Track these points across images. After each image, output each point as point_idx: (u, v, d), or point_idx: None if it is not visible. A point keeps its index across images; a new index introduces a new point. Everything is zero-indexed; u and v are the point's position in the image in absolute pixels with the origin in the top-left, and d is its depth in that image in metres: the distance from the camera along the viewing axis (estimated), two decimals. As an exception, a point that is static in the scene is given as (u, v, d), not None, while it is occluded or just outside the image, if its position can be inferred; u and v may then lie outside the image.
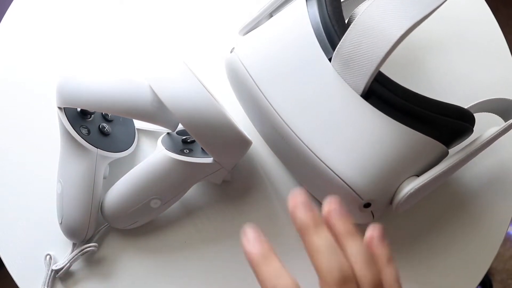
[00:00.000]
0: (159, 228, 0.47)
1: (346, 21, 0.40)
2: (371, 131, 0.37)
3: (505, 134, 0.41)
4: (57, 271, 0.46)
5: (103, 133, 0.45)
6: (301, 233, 0.33)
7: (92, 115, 0.45)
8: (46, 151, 0.49)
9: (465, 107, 0.39)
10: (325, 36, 0.38)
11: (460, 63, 0.51)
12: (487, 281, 1.01)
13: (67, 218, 0.43)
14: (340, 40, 0.36)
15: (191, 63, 0.42)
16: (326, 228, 0.33)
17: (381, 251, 0.34)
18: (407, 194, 0.37)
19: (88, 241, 0.46)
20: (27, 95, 0.51)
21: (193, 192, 0.48)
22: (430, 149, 0.37)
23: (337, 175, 0.37)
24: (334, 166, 0.37)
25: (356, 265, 0.32)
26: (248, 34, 0.41)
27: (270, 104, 0.38)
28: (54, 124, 0.44)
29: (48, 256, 0.46)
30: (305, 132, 0.37)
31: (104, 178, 0.45)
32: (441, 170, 0.37)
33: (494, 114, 0.45)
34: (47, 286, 0.45)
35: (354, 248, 0.33)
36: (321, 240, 0.32)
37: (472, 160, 0.41)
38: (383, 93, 0.36)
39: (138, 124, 0.49)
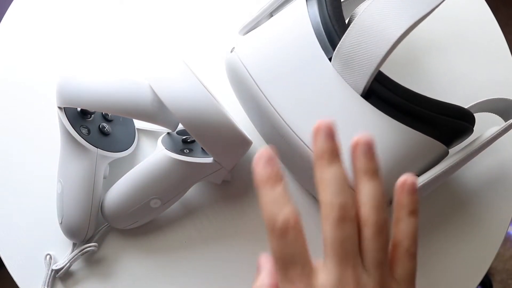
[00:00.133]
0: (159, 228, 0.47)
1: (346, 21, 0.40)
2: (371, 130, 0.36)
3: (505, 134, 0.41)
4: (57, 271, 0.46)
5: (103, 133, 0.45)
6: (315, 163, 0.31)
7: (92, 115, 0.45)
8: (46, 151, 0.49)
9: (465, 107, 0.39)
10: (325, 36, 0.38)
11: (460, 63, 0.51)
12: (487, 281, 1.01)
13: (67, 218, 0.43)
14: (340, 39, 0.36)
15: (191, 63, 0.42)
16: (341, 163, 0.31)
17: (407, 201, 0.32)
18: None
19: (88, 241, 0.46)
20: (27, 95, 0.51)
21: (193, 192, 0.48)
22: (430, 148, 0.37)
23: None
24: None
25: (364, 207, 0.31)
26: (248, 33, 0.41)
27: (270, 104, 0.38)
28: (54, 124, 0.44)
29: (48, 256, 0.46)
30: (305, 132, 0.37)
31: (104, 178, 0.45)
32: (441, 170, 0.37)
33: (494, 114, 0.45)
34: (47, 286, 0.45)
35: (367, 189, 0.31)
36: (330, 173, 0.31)
37: (472, 160, 0.41)
38: (383, 93, 0.36)
39: (138, 124, 0.49)
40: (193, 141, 0.46)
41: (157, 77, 0.40)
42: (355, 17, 0.40)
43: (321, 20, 0.38)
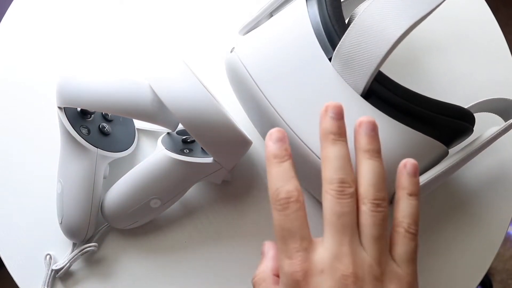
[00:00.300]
0: (159, 228, 0.47)
1: (346, 21, 0.40)
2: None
3: (505, 134, 0.41)
4: (57, 271, 0.46)
5: (103, 133, 0.45)
6: (321, 139, 0.33)
7: (92, 115, 0.45)
8: (46, 151, 0.49)
9: (465, 107, 0.39)
10: (325, 36, 0.37)
11: (460, 63, 0.51)
12: (487, 281, 1.01)
13: (67, 218, 0.43)
14: (340, 40, 0.36)
15: (191, 63, 0.42)
16: (346, 141, 0.33)
17: (408, 182, 0.33)
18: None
19: (88, 241, 0.46)
20: (27, 95, 0.51)
21: (193, 192, 0.48)
22: (430, 148, 0.37)
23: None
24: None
25: (363, 184, 0.32)
26: (248, 34, 0.41)
27: (270, 104, 0.38)
28: (54, 124, 0.44)
29: (48, 256, 0.46)
30: (305, 132, 0.37)
31: (104, 178, 0.45)
32: (441, 170, 0.37)
33: (494, 114, 0.45)
34: (47, 286, 0.45)
35: (367, 167, 0.33)
36: (334, 151, 0.32)
37: (472, 160, 0.41)
38: (383, 93, 0.36)
39: (138, 124, 0.49)
40: (193, 141, 0.46)
41: (157, 77, 0.40)
42: (355, 17, 0.40)
43: (321, 20, 0.38)
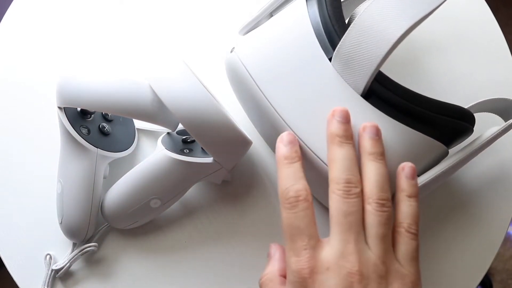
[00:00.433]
0: (159, 228, 0.47)
1: (346, 21, 0.40)
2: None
3: (505, 134, 0.41)
4: (57, 271, 0.46)
5: (103, 133, 0.45)
6: (328, 142, 0.34)
7: (92, 115, 0.45)
8: (46, 151, 0.49)
9: (465, 107, 0.39)
10: (325, 36, 0.37)
11: (460, 63, 0.51)
12: (487, 281, 1.01)
13: (67, 218, 0.43)
14: (340, 40, 0.36)
15: (191, 63, 0.42)
16: (352, 143, 0.34)
17: (406, 184, 0.34)
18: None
19: (88, 241, 0.46)
20: (27, 95, 0.51)
21: (193, 192, 0.48)
22: (430, 149, 0.37)
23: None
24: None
25: (367, 185, 0.33)
26: (248, 33, 0.41)
27: (270, 104, 0.38)
28: (54, 124, 0.44)
29: (48, 256, 0.46)
30: (305, 132, 0.37)
31: (104, 178, 0.45)
32: (441, 170, 0.37)
33: (494, 114, 0.45)
34: (47, 286, 0.45)
35: (371, 169, 0.34)
36: (340, 151, 0.34)
37: (472, 160, 0.41)
38: (383, 93, 0.36)
39: (138, 124, 0.49)
40: (193, 141, 0.46)
41: (157, 77, 0.40)
42: (355, 17, 0.40)
43: (321, 20, 0.38)
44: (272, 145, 0.46)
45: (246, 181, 0.48)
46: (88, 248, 0.45)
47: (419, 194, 0.36)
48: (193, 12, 0.53)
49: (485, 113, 0.45)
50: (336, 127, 0.34)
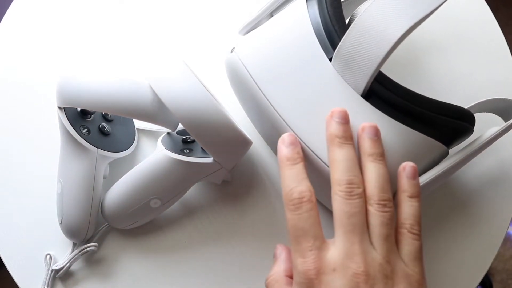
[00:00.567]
0: (159, 228, 0.47)
1: (346, 21, 0.40)
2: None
3: (506, 134, 0.41)
4: (57, 271, 0.46)
5: (103, 133, 0.45)
6: (328, 143, 0.35)
7: (92, 115, 0.45)
8: (46, 151, 0.49)
9: (466, 107, 0.39)
10: (325, 36, 0.37)
11: (460, 63, 0.51)
12: (487, 281, 1.01)
13: (67, 218, 0.43)
14: (340, 40, 0.36)
15: (191, 63, 0.42)
16: (352, 144, 0.34)
17: (408, 185, 0.34)
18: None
19: (88, 241, 0.46)
20: (27, 95, 0.51)
21: (193, 192, 0.48)
22: (430, 149, 0.37)
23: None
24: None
25: (369, 185, 0.33)
26: (249, 34, 0.41)
27: (271, 104, 0.38)
28: (54, 124, 0.44)
29: (48, 256, 0.46)
30: (305, 132, 0.37)
31: (104, 178, 0.45)
32: (441, 171, 0.37)
33: (494, 114, 0.45)
34: (47, 286, 0.45)
35: (372, 170, 0.34)
36: (341, 152, 0.34)
37: (472, 159, 0.41)
38: (384, 93, 0.36)
39: (138, 124, 0.49)
40: (193, 141, 0.46)
41: (157, 77, 0.40)
42: (356, 17, 0.40)
43: (321, 20, 0.38)
44: (272, 145, 0.46)
45: (246, 181, 0.48)
46: (88, 248, 0.45)
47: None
48: (193, 12, 0.53)
49: (485, 113, 0.45)
50: (335, 128, 0.35)
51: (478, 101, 0.43)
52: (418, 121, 0.36)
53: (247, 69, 0.38)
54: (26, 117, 0.50)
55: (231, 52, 0.40)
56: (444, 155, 0.39)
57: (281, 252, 0.37)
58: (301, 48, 0.38)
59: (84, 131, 0.43)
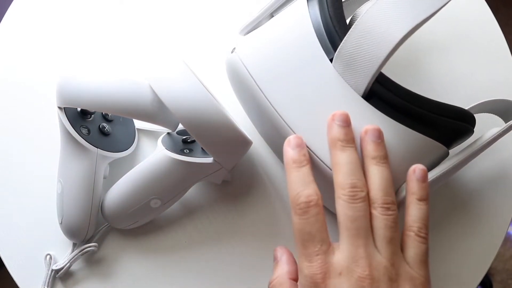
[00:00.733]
0: (159, 228, 0.47)
1: (347, 22, 0.40)
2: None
3: (506, 134, 0.41)
4: (57, 271, 0.46)
5: (103, 133, 0.45)
6: (330, 147, 0.35)
7: (92, 115, 0.45)
8: (46, 151, 0.49)
9: (466, 108, 0.39)
10: (326, 37, 0.37)
11: (461, 63, 0.51)
12: (487, 281, 1.01)
13: (67, 218, 0.43)
14: (341, 40, 0.36)
15: (192, 63, 0.42)
16: (354, 147, 0.34)
17: (417, 187, 0.34)
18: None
19: (88, 241, 0.46)
20: (27, 95, 0.51)
21: (193, 192, 0.48)
22: (430, 150, 0.37)
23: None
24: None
25: (372, 189, 0.33)
26: (249, 34, 0.41)
27: (271, 104, 0.38)
28: (54, 124, 0.44)
29: (48, 256, 0.46)
30: (305, 132, 0.37)
31: (104, 178, 0.45)
32: (442, 172, 0.37)
33: (494, 115, 0.45)
34: (47, 286, 0.45)
35: (375, 173, 0.34)
36: (343, 156, 0.34)
37: (472, 160, 0.41)
38: (384, 94, 0.36)
39: (138, 124, 0.49)
40: (193, 141, 0.46)
41: (157, 77, 0.40)
42: (357, 18, 0.40)
43: (322, 21, 0.38)
44: (272, 145, 0.46)
45: (246, 181, 0.48)
46: (88, 248, 0.45)
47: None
48: (193, 12, 0.53)
49: (486, 114, 0.45)
50: (336, 131, 0.35)
51: (479, 102, 0.43)
52: (418, 122, 0.36)
53: (247, 69, 0.38)
54: (26, 117, 0.50)
55: (232, 52, 0.40)
56: (445, 156, 0.39)
57: (282, 254, 0.37)
58: (302, 49, 0.38)
59: (84, 131, 0.43)
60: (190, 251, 0.47)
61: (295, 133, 0.37)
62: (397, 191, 0.37)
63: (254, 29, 0.42)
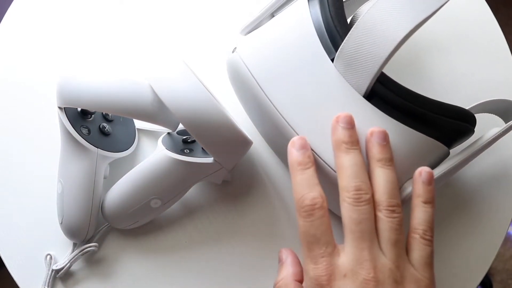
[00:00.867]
0: (159, 228, 0.47)
1: (348, 21, 0.40)
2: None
3: (506, 134, 0.41)
4: (57, 271, 0.46)
5: (103, 133, 0.45)
6: (335, 149, 0.35)
7: (93, 115, 0.45)
8: (46, 151, 0.49)
9: (466, 108, 0.39)
10: (327, 37, 0.37)
11: (461, 63, 0.51)
12: (487, 281, 1.02)
13: (67, 218, 0.43)
14: (342, 40, 0.36)
15: (192, 63, 0.42)
16: (359, 149, 0.34)
17: (423, 190, 0.34)
18: (409, 196, 0.37)
19: (89, 241, 0.46)
20: (27, 95, 0.51)
21: (193, 192, 0.48)
22: (431, 150, 0.37)
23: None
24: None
25: (377, 191, 0.34)
26: (250, 34, 0.41)
27: (272, 104, 0.38)
28: (55, 124, 0.44)
29: (48, 256, 0.46)
30: (307, 133, 0.37)
31: (105, 178, 0.45)
32: (442, 172, 0.37)
33: (495, 115, 0.45)
34: (48, 286, 0.45)
35: (380, 175, 0.34)
36: (348, 158, 0.34)
37: (473, 160, 0.41)
38: (386, 94, 0.36)
39: (139, 124, 0.49)
40: (193, 141, 0.46)
41: (158, 77, 0.40)
42: (358, 17, 0.40)
43: (323, 21, 0.38)
44: (273, 145, 0.46)
45: (246, 181, 0.48)
46: (89, 248, 0.45)
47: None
48: (193, 12, 0.53)
49: (486, 113, 0.45)
50: (341, 133, 0.34)
51: (479, 102, 0.43)
52: (419, 122, 0.36)
53: (248, 69, 0.38)
54: (26, 117, 0.50)
55: (233, 52, 0.40)
56: (445, 155, 0.39)
57: (287, 256, 0.37)
58: (303, 48, 0.38)
59: (85, 131, 0.43)
60: (190, 251, 0.47)
61: (296, 132, 0.37)
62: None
63: (255, 29, 0.42)
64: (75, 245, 0.46)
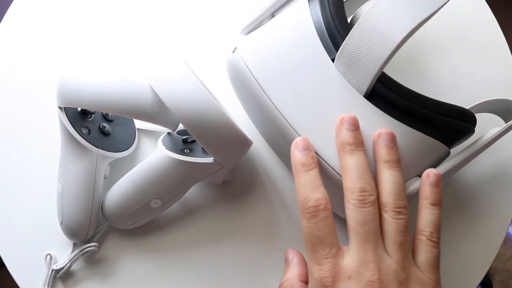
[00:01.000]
0: (159, 228, 0.47)
1: (348, 21, 0.40)
2: (374, 131, 0.36)
3: (506, 134, 0.41)
4: (57, 271, 0.46)
5: (103, 133, 0.45)
6: (339, 150, 0.34)
7: (93, 115, 0.45)
8: (46, 151, 0.49)
9: (467, 108, 0.39)
10: (327, 37, 0.37)
11: (461, 63, 0.51)
12: (487, 281, 1.02)
13: (67, 218, 0.43)
14: (343, 40, 0.36)
15: (192, 63, 0.42)
16: (363, 150, 0.34)
17: (430, 192, 0.34)
18: (410, 195, 0.37)
19: (89, 241, 0.46)
20: (27, 95, 0.51)
21: (193, 192, 0.48)
22: (432, 149, 0.37)
23: (341, 176, 0.36)
24: (338, 167, 0.37)
25: (383, 192, 0.33)
26: (250, 34, 0.41)
27: (273, 104, 0.38)
28: (55, 124, 0.44)
29: (48, 256, 0.46)
30: (308, 133, 0.37)
31: (105, 178, 0.45)
32: (443, 171, 0.37)
33: (495, 115, 0.45)
34: (48, 286, 0.45)
35: (387, 177, 0.34)
36: (352, 159, 0.34)
37: (473, 159, 0.41)
38: (386, 94, 0.36)
39: (139, 124, 0.49)
40: (193, 141, 0.46)
41: (158, 77, 0.40)
42: (358, 17, 0.40)
43: (323, 21, 0.38)
44: (273, 145, 0.46)
45: (246, 181, 0.48)
46: (89, 248, 0.45)
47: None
48: (193, 12, 0.53)
49: (486, 113, 0.45)
50: (345, 134, 0.34)
51: (479, 102, 0.43)
52: (420, 121, 0.36)
53: (249, 69, 0.38)
54: (26, 117, 0.50)
55: (233, 52, 0.40)
56: (446, 155, 0.39)
57: (293, 257, 0.37)
58: (303, 48, 0.38)
59: (85, 131, 0.43)
60: (190, 251, 0.47)
61: (297, 132, 0.37)
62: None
63: (255, 29, 0.42)
64: (75, 245, 0.46)
